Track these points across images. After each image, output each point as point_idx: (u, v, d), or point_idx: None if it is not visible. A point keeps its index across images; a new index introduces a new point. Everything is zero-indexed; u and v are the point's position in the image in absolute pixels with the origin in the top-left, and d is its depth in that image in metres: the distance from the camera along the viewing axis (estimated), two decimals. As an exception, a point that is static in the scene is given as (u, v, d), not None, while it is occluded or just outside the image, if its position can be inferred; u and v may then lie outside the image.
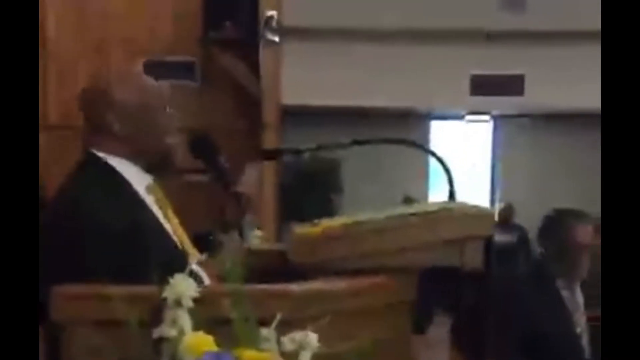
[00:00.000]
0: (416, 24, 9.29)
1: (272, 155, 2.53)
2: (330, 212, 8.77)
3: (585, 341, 2.91)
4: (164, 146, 1.86)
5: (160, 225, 1.81)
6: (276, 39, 6.49)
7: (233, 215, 1.93)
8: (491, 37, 9.42)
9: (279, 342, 1.33)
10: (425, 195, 10.53)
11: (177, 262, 1.69)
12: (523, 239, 9.07)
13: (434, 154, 2.03)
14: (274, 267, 1.84)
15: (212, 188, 2.20)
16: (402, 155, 10.04)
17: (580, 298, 2.96)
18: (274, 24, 6.42)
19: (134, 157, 1.82)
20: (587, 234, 2.92)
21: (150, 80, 1.89)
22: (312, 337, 1.24)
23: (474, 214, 1.77)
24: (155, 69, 5.29)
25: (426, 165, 10.79)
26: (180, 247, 1.82)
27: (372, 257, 1.68)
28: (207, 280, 1.70)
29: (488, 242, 1.73)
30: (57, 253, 1.64)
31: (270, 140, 6.53)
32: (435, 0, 9.27)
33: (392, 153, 9.60)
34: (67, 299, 1.36)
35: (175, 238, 1.82)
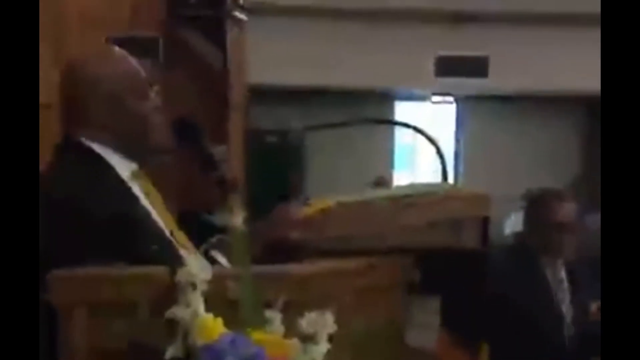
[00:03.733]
0: (383, 4, 9.27)
1: (255, 136, 2.49)
2: (295, 190, 8.76)
3: (568, 319, 2.95)
4: (148, 131, 1.79)
5: (146, 211, 1.75)
6: (243, 16, 6.42)
7: (215, 195, 1.90)
8: (456, 18, 9.45)
9: (284, 324, 1.31)
10: (390, 177, 10.57)
11: (164, 249, 1.67)
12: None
13: (425, 134, 2.02)
14: (266, 248, 1.82)
15: (185, 168, 2.16)
16: (367, 135, 10.06)
17: (563, 276, 2.99)
18: (240, 1, 6.36)
19: (115, 141, 1.75)
20: (566, 212, 2.96)
21: (130, 60, 1.82)
22: (329, 318, 1.23)
23: (471, 195, 1.76)
24: (117, 45, 5.18)
25: (391, 144, 10.84)
26: (167, 233, 1.77)
27: (369, 238, 1.67)
28: (223, 261, 1.66)
29: (484, 223, 1.73)
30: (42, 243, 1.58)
31: (236, 119, 6.48)
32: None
33: (359, 133, 9.62)
34: (69, 281, 1.32)
35: (161, 224, 1.78)
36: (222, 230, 1.69)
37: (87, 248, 1.56)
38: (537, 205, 3.03)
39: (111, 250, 1.54)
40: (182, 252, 1.71)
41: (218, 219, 1.86)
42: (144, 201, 1.76)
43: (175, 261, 1.45)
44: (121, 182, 1.74)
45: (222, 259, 1.63)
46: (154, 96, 1.83)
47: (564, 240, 2.93)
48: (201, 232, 1.83)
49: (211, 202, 1.93)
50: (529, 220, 3.05)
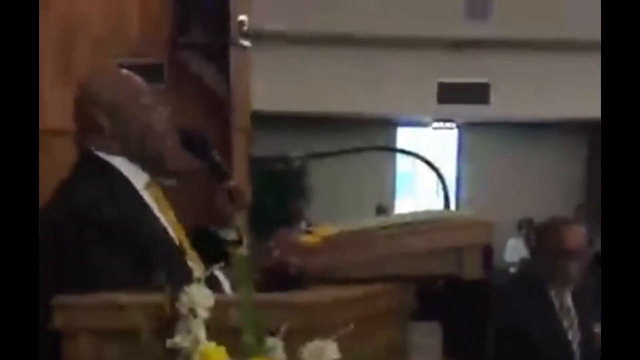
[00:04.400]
0: (385, 31, 9.33)
1: (258, 163, 2.49)
2: (297, 218, 8.75)
3: (575, 347, 2.94)
4: (157, 142, 1.85)
5: (159, 223, 1.80)
6: (247, 43, 6.46)
7: (226, 209, 1.91)
8: (458, 45, 9.51)
9: (286, 352, 1.31)
10: (392, 203, 10.57)
11: (175, 261, 1.71)
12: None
13: (426, 161, 2.03)
14: (266, 274, 1.82)
15: (200, 184, 2.17)
16: (368, 161, 10.07)
17: (569, 303, 2.98)
18: (245, 29, 6.40)
19: (128, 154, 1.82)
20: (575, 240, 2.95)
21: (135, 78, 1.91)
22: (332, 347, 1.22)
23: (473, 222, 1.77)
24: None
25: (393, 171, 10.85)
26: (178, 245, 1.80)
27: (371, 266, 1.67)
28: (226, 286, 1.67)
29: (486, 250, 1.73)
30: (58, 253, 1.63)
31: (239, 146, 6.50)
32: (403, 8, 9.32)
33: (360, 160, 9.62)
34: (73, 308, 1.32)
35: (173, 236, 1.81)
36: (231, 244, 1.71)
37: (99, 259, 1.61)
38: (545, 233, 3.02)
39: (122, 260, 1.59)
40: (190, 264, 1.76)
41: (227, 233, 1.87)
42: (156, 211, 1.81)
43: (182, 276, 1.47)
44: (135, 192, 1.79)
45: (224, 280, 1.63)
46: (160, 112, 1.88)
47: (572, 267, 2.92)
48: (211, 247, 1.85)
49: (223, 214, 1.94)
50: (536, 247, 3.04)
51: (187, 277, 1.48)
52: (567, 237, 2.93)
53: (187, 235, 1.86)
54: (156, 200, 1.84)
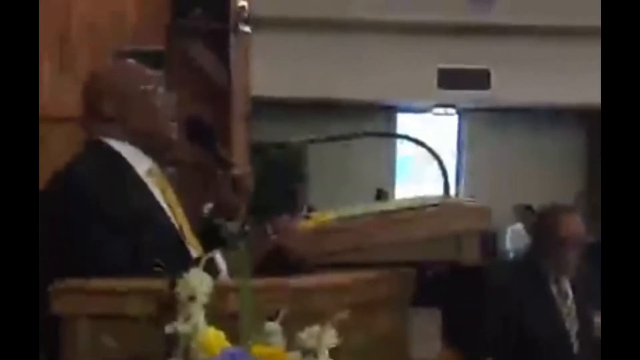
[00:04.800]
0: (385, 17, 9.30)
1: (258, 149, 2.48)
2: (296, 202, 8.75)
3: (573, 335, 2.95)
4: (162, 128, 1.87)
5: (161, 209, 1.82)
6: (247, 29, 6.44)
7: (231, 199, 1.91)
8: (459, 31, 9.48)
9: (285, 337, 1.31)
10: (392, 188, 10.58)
11: (174, 246, 1.72)
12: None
13: (426, 146, 2.03)
14: (266, 260, 1.83)
15: (204, 173, 2.18)
16: (369, 147, 10.07)
17: (568, 290, 2.99)
18: (245, 14, 6.38)
19: (133, 139, 1.84)
20: (574, 228, 2.95)
21: (141, 67, 1.93)
22: (331, 333, 1.23)
23: (471, 208, 1.77)
24: (122, 57, 5.20)
25: (393, 157, 10.85)
26: (179, 231, 1.81)
27: (370, 251, 1.67)
28: (223, 270, 1.68)
29: (484, 237, 1.73)
30: (58, 238, 1.64)
31: (239, 132, 6.49)
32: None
33: (360, 145, 9.62)
34: (72, 293, 1.33)
35: (175, 222, 1.82)
36: (237, 236, 1.71)
37: (98, 244, 1.63)
38: (544, 220, 3.02)
39: (122, 246, 1.61)
40: (190, 249, 1.77)
41: (232, 225, 1.87)
42: (158, 196, 1.82)
43: (182, 261, 1.48)
44: (138, 178, 1.81)
45: (222, 263, 1.64)
46: (166, 98, 1.89)
47: (572, 255, 2.92)
48: (216, 237, 1.86)
49: (228, 204, 1.94)
50: (536, 235, 3.04)
51: (186, 262, 1.49)
52: (565, 224, 2.93)
53: (190, 224, 1.87)
54: (159, 186, 1.85)
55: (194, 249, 1.80)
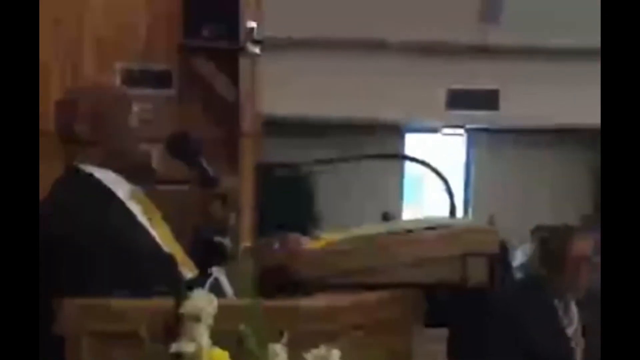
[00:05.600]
0: (394, 37, 9.34)
1: (266, 169, 2.48)
2: (306, 223, 8.75)
3: (579, 355, 2.93)
4: (138, 151, 1.86)
5: (146, 232, 1.79)
6: (257, 50, 6.48)
7: (218, 215, 1.90)
8: (468, 51, 9.50)
9: (290, 358, 1.31)
10: (399, 210, 10.56)
11: (164, 270, 1.70)
12: (502, 251, 9.15)
13: (433, 169, 2.03)
14: (272, 280, 1.82)
15: (192, 194, 2.17)
16: (376, 167, 10.07)
17: (574, 311, 2.98)
18: (254, 35, 6.41)
19: (109, 163, 1.82)
20: (583, 248, 2.95)
21: (117, 88, 1.93)
22: (336, 354, 1.23)
23: (478, 230, 1.77)
24: (132, 76, 5.24)
25: (401, 177, 10.84)
26: (167, 253, 1.79)
27: (378, 272, 1.67)
28: (228, 290, 1.67)
29: (491, 259, 1.73)
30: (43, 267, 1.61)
31: (248, 151, 6.50)
32: (413, 14, 9.33)
33: (367, 165, 9.63)
34: (77, 311, 1.33)
35: (163, 245, 1.80)
36: (226, 249, 1.70)
37: (89, 275, 1.61)
38: (554, 241, 3.02)
39: (106, 272, 1.60)
40: (183, 270, 1.75)
41: (222, 238, 1.86)
42: (143, 220, 1.80)
43: (175, 282, 1.47)
44: (121, 204, 1.79)
45: (226, 283, 1.63)
46: (141, 120, 1.88)
47: (580, 277, 2.92)
48: (206, 252, 1.85)
49: (216, 219, 1.93)
50: (544, 255, 3.04)
51: (179, 283, 1.48)
52: (575, 246, 2.92)
53: (179, 241, 1.85)
54: (143, 209, 1.83)
55: (186, 268, 1.78)
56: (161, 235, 1.82)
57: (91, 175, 1.80)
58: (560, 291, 2.94)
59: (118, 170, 1.83)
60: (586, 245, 2.97)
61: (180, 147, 1.89)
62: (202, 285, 1.53)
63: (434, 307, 1.71)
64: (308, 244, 1.74)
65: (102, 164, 1.81)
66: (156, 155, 1.97)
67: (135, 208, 1.81)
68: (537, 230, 9.15)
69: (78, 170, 1.81)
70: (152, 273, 1.63)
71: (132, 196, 1.82)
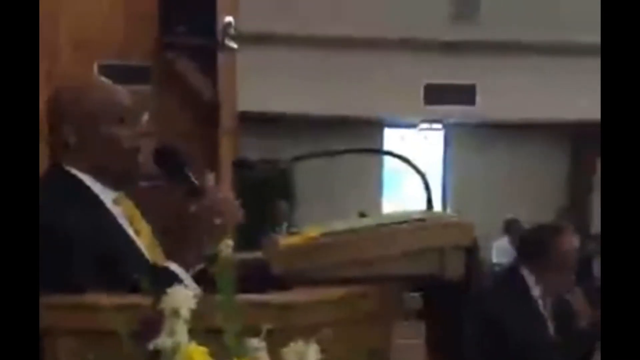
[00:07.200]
0: (372, 33, 9.36)
1: (245, 166, 2.47)
2: (282, 220, 8.75)
3: (560, 347, 2.96)
4: (125, 160, 1.81)
5: (126, 236, 1.77)
6: (234, 45, 6.46)
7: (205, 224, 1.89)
8: (445, 47, 9.55)
9: (268, 353, 1.31)
10: (379, 205, 10.58)
11: (143, 274, 1.68)
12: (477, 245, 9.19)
13: (411, 164, 2.04)
14: (251, 277, 1.83)
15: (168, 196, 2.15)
16: (355, 162, 10.09)
17: (553, 306, 3.00)
18: (231, 30, 6.40)
19: (94, 171, 1.78)
20: (567, 246, 2.97)
21: (107, 90, 1.85)
22: (314, 348, 1.23)
23: (454, 223, 1.78)
24: (109, 72, 5.21)
25: (380, 171, 10.87)
26: (148, 258, 1.78)
27: (355, 267, 1.68)
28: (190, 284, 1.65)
29: (469, 252, 1.74)
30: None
31: (226, 147, 6.49)
32: (391, 10, 9.35)
33: (345, 160, 9.64)
34: (55, 309, 1.32)
35: (143, 249, 1.79)
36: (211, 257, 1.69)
37: (71, 274, 1.58)
38: (532, 241, 3.04)
39: (93, 276, 1.56)
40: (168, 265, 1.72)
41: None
42: (125, 224, 1.78)
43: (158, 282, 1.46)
44: (103, 207, 1.76)
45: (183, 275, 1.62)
46: (142, 123, 1.85)
47: (564, 273, 2.94)
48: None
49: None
50: (526, 252, 3.05)
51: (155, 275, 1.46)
52: (554, 246, 2.94)
53: (159, 239, 1.84)
54: (128, 215, 1.81)
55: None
56: (145, 241, 1.81)
57: (74, 176, 1.77)
58: (543, 287, 2.96)
59: (103, 168, 1.79)
60: (569, 244, 2.99)
61: (167, 160, 1.86)
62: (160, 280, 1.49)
63: (411, 302, 1.73)
64: (286, 240, 1.75)
65: (84, 169, 1.78)
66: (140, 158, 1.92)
67: (119, 214, 1.79)
68: (512, 223, 9.24)
69: (62, 170, 1.78)
70: (130, 273, 1.61)
71: (115, 200, 1.81)
